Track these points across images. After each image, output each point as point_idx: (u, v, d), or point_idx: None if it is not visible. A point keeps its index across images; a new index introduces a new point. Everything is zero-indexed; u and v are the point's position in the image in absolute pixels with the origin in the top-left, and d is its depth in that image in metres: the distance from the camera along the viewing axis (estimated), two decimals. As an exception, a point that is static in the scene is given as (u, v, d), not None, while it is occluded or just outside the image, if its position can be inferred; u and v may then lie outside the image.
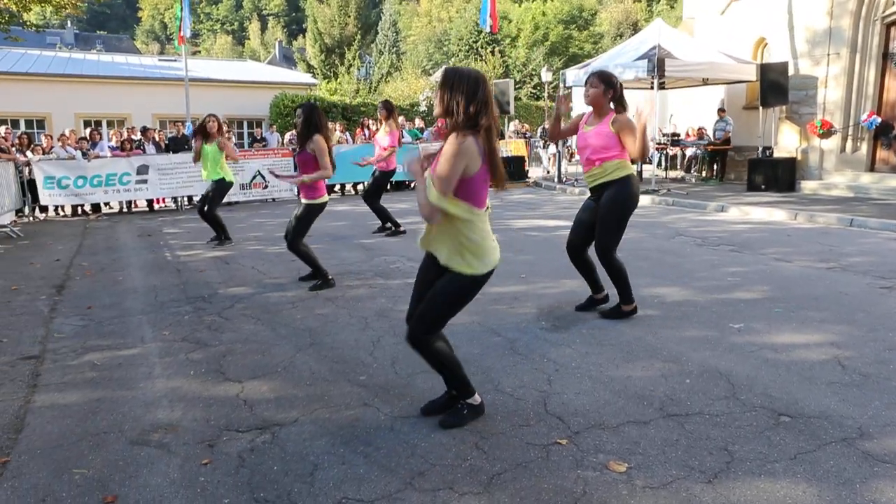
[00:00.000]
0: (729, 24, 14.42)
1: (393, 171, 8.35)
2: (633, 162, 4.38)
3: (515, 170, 15.43)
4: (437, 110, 2.67)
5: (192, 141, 8.58)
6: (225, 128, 8.34)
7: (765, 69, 12.20)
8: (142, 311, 4.98)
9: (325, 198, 5.53)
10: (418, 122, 18.02)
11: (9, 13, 11.59)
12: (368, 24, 41.06)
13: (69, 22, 66.94)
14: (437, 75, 32.80)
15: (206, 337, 4.26)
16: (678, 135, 15.38)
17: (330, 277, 5.53)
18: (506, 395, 3.19)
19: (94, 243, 8.62)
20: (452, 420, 2.86)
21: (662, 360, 3.60)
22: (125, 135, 13.70)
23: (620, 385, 3.27)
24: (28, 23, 12.44)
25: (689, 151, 15.25)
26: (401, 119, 15.71)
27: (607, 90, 4.23)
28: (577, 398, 3.13)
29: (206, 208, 7.81)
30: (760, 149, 12.24)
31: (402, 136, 14.66)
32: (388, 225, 8.30)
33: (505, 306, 4.77)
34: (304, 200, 5.48)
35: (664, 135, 15.10)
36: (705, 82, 13.88)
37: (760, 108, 12.42)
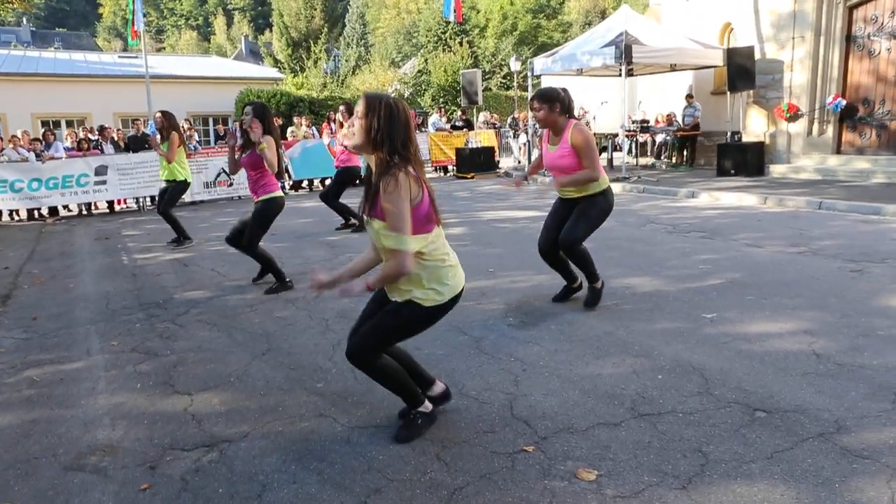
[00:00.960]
0: (695, 10, 14.38)
1: (357, 168, 8.13)
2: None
3: (485, 160, 15.28)
4: (357, 140, 2.39)
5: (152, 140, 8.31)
6: (183, 125, 8.08)
7: (731, 54, 12.18)
8: (91, 320, 4.72)
9: (279, 193, 5.30)
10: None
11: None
12: (335, 17, 40.46)
13: (24, 19, 65.04)
14: (406, 67, 32.31)
15: (158, 346, 4.03)
16: (647, 121, 15.35)
17: (287, 280, 5.31)
18: (470, 399, 3.03)
19: (48, 249, 8.27)
20: (406, 434, 2.68)
21: (634, 355, 3.47)
22: (81, 134, 13.24)
23: (590, 384, 3.12)
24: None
25: (659, 138, 15.22)
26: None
27: (552, 107, 4.12)
28: (545, 399, 2.98)
29: (162, 208, 7.57)
30: (729, 134, 12.24)
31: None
32: (352, 221, 8.08)
33: (472, 302, 4.60)
34: (257, 199, 5.25)
35: (633, 122, 15.05)
36: (673, 68, 13.85)
37: (728, 92, 12.41)
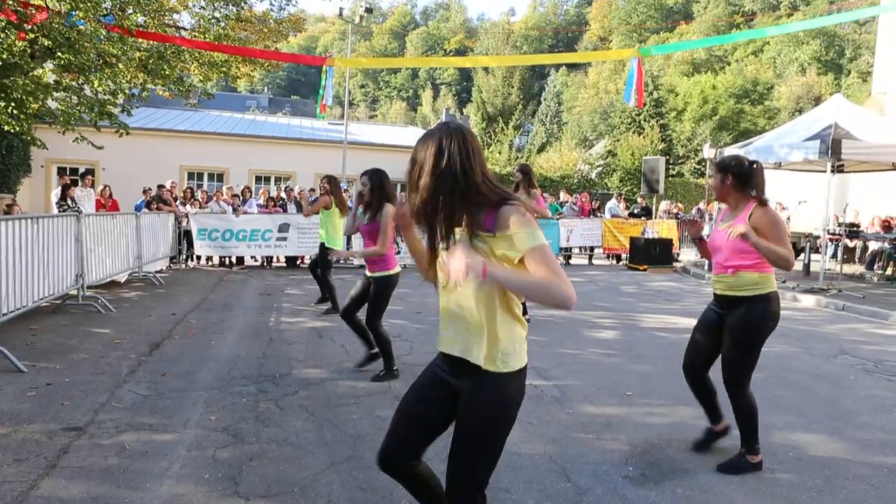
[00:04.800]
0: (930, 103, 12.43)
1: None
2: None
3: (661, 252, 14.20)
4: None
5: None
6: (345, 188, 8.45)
7: (975, 156, 10.20)
8: (208, 385, 4.78)
9: (397, 269, 5.08)
10: (563, 196, 17.42)
11: (190, 85, 12.93)
12: (531, 95, 41.60)
13: (266, 88, 75.51)
14: (597, 147, 31.81)
15: (248, 430, 3.90)
16: (858, 225, 13.34)
17: (395, 368, 5.03)
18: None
19: (217, 298, 8.90)
20: None
21: (780, 558, 2.62)
22: (275, 193, 14.57)
23: None
24: (204, 91, 13.88)
25: (873, 245, 13.11)
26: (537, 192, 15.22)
27: (724, 178, 3.46)
28: None
29: (318, 270, 7.87)
30: (967, 250, 10.14)
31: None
32: None
33: (591, 436, 3.94)
34: (372, 274, 5.05)
35: (840, 224, 13.15)
36: (895, 167, 11.96)
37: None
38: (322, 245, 7.98)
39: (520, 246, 1.85)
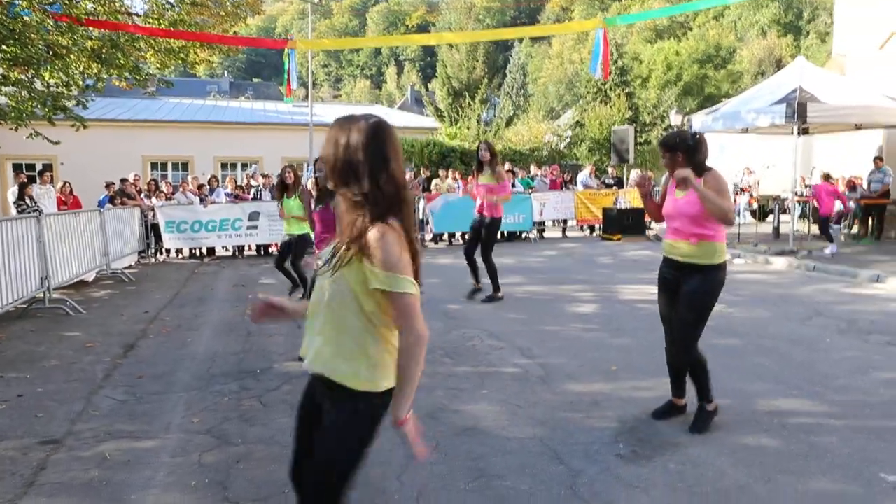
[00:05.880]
0: (889, 59, 12.60)
1: (500, 220, 7.66)
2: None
3: (634, 222, 14.28)
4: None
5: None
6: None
7: (935, 113, 10.39)
8: (186, 386, 4.67)
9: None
10: (533, 170, 17.37)
11: (147, 74, 12.49)
12: (496, 68, 41.26)
13: (226, 71, 73.73)
14: (564, 118, 31.77)
15: (233, 430, 3.82)
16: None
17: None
18: (544, 572, 2.42)
19: (190, 293, 8.72)
20: None
21: (774, 529, 2.65)
22: (244, 180, 14.28)
23: (706, 573, 2.38)
24: (162, 80, 13.42)
25: (838, 205, 13.34)
26: (507, 165, 15.17)
27: (674, 156, 3.58)
28: (641, 591, 2.29)
29: (286, 263, 7.57)
30: (929, 205, 10.37)
31: (513, 185, 14.10)
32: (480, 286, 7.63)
33: (581, 414, 3.95)
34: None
35: (807, 185, 13.36)
36: (858, 127, 12.14)
37: (929, 158, 10.57)
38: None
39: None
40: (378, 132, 1.85)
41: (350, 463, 1.89)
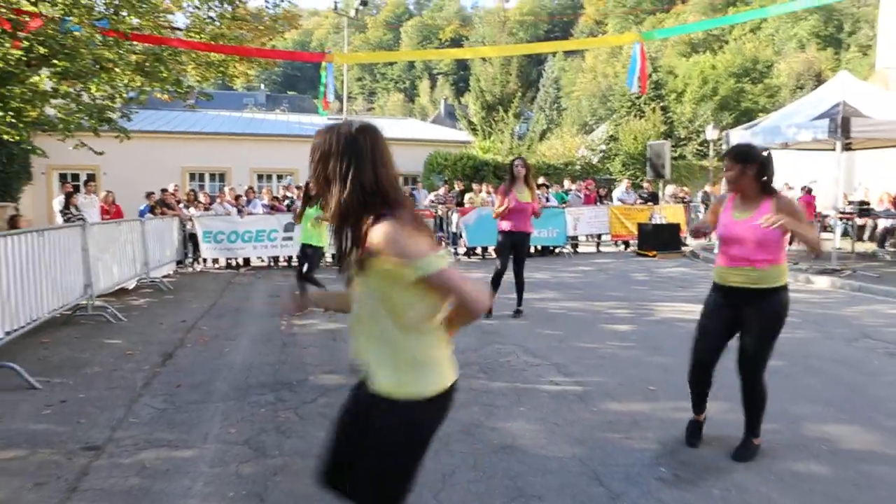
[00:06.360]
0: (938, 76, 12.26)
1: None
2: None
3: (670, 238, 14.08)
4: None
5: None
6: None
7: None
8: (224, 396, 4.71)
9: None
10: (567, 184, 17.27)
11: (188, 87, 12.78)
12: (529, 82, 41.29)
13: (262, 84, 75.15)
14: (597, 132, 31.61)
15: (270, 442, 3.83)
16: (868, 202, 13.21)
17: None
18: None
19: (227, 303, 8.83)
20: None
21: (826, 561, 2.55)
22: (280, 192, 14.48)
23: None
24: (203, 93, 13.72)
25: (883, 223, 12.99)
26: (541, 179, 15.12)
27: (745, 168, 3.38)
28: None
29: (304, 272, 7.74)
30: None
31: (547, 200, 14.04)
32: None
33: (620, 435, 3.87)
34: None
35: (850, 202, 13.03)
36: (905, 143, 11.82)
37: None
38: (304, 246, 7.85)
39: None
40: (357, 138, 1.83)
41: (400, 474, 1.89)
